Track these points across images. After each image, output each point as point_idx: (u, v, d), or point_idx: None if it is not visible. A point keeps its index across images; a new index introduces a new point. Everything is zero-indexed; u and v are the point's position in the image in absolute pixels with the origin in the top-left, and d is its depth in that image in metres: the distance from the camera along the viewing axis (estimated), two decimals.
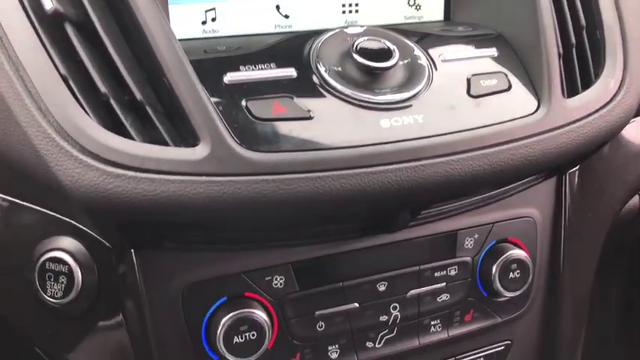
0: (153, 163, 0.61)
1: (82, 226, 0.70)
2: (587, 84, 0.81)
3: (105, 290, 0.71)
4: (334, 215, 0.69)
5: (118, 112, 0.62)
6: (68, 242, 0.71)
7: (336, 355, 0.81)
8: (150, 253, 0.72)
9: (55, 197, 0.66)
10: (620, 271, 2.11)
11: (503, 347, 0.91)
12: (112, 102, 0.62)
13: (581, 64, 0.80)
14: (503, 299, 0.88)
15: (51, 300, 0.70)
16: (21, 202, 0.71)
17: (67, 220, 0.70)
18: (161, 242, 0.71)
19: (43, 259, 0.70)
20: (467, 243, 0.85)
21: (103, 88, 0.63)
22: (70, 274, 0.70)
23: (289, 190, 0.63)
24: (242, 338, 0.73)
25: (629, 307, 2.10)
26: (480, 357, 0.90)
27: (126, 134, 0.62)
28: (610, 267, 2.01)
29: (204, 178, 0.61)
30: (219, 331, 0.72)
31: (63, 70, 0.61)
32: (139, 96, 0.63)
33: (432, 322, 0.85)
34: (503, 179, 0.72)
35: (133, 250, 0.71)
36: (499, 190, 0.84)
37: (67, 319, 0.72)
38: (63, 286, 0.71)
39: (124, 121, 0.63)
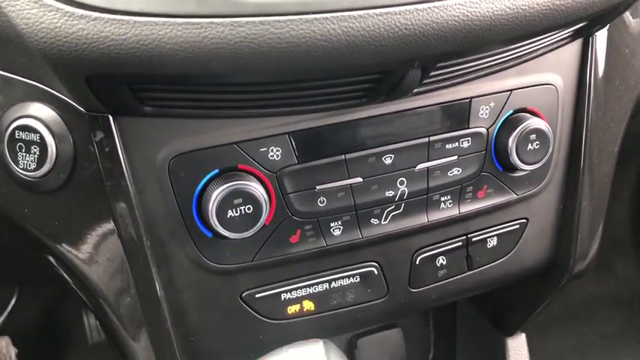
0: (121, 3, 0.52)
1: (52, 90, 0.62)
2: None
3: (82, 161, 0.65)
4: (334, 68, 0.61)
5: None
6: (38, 109, 0.63)
7: (339, 232, 0.75)
8: (130, 120, 0.65)
9: (16, 53, 0.58)
10: (633, 169, 2.06)
11: (518, 226, 0.86)
12: None
13: None
14: (519, 174, 0.81)
15: (24, 173, 0.64)
16: None
17: (35, 83, 0.62)
18: (140, 107, 0.63)
19: (11, 127, 0.63)
20: (482, 112, 0.77)
21: None
22: (42, 143, 0.64)
23: (281, 35, 0.55)
24: (236, 212, 0.67)
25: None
26: (493, 236, 0.84)
27: None
28: (628, 160, 1.96)
29: (181, 19, 0.53)
30: (211, 205, 0.66)
31: None
32: None
33: (442, 198, 0.79)
34: (527, 28, 0.63)
35: (110, 117, 0.64)
36: (519, 51, 0.75)
37: (44, 194, 0.66)
38: (36, 157, 0.64)
39: None
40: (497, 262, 0.86)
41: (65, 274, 0.72)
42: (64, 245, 0.68)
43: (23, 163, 0.64)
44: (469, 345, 1.13)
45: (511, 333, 1.02)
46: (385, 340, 1.09)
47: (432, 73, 0.70)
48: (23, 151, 0.64)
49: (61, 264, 0.70)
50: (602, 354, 1.90)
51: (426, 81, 0.70)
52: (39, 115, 0.63)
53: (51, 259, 0.71)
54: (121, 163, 0.65)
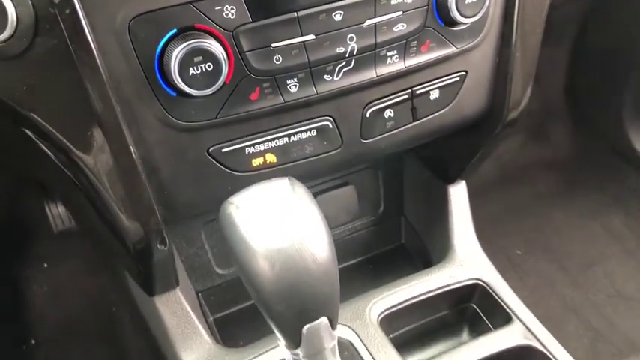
0: None
1: None
2: None
3: (44, 25, 0.67)
4: None
5: None
6: None
7: (295, 89, 0.81)
8: None
9: None
10: (568, 41, 2.16)
11: (458, 78, 0.92)
12: None
13: None
14: (459, 28, 0.87)
15: None
16: None
17: None
18: None
19: None
20: None
21: None
22: (0, 7, 0.65)
23: None
24: (198, 69, 0.71)
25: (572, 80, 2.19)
26: (435, 88, 0.91)
27: None
28: (563, 30, 2.05)
29: None
30: (173, 63, 0.70)
31: None
32: None
33: (389, 53, 0.84)
34: None
35: None
36: None
37: (8, 59, 0.68)
38: None
39: None
40: (440, 112, 0.93)
41: (38, 141, 0.75)
42: (34, 109, 0.71)
43: None
44: (415, 197, 1.25)
45: (452, 181, 1.13)
46: (340, 197, 1.18)
47: None
48: None
49: (33, 131, 0.74)
50: (537, 213, 2.06)
51: None
52: None
53: (24, 129, 0.74)
54: (82, 25, 0.67)
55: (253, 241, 0.59)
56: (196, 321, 0.95)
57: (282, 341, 0.66)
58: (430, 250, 1.19)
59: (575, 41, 2.11)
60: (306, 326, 0.62)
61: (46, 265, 1.80)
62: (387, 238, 1.29)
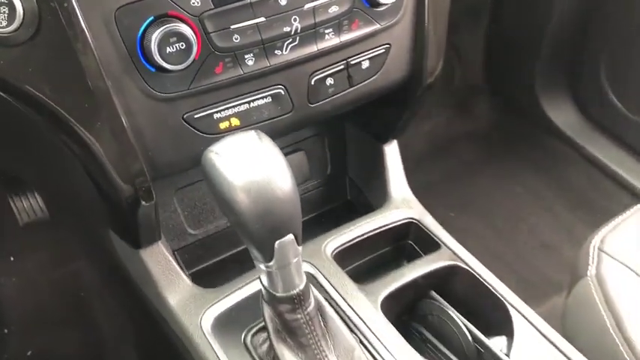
0: None
1: None
2: None
3: (46, 16, 0.81)
4: None
5: None
6: None
7: (252, 63, 0.97)
8: None
9: None
10: (484, 20, 2.37)
11: (383, 50, 1.10)
12: None
13: None
14: (381, 8, 1.05)
15: None
16: None
17: None
18: None
19: None
20: None
21: None
22: (10, 3, 0.79)
23: None
24: (173, 48, 0.88)
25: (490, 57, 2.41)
26: (366, 59, 1.09)
27: None
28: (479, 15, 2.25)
29: None
30: (153, 44, 0.86)
31: None
32: None
33: (326, 31, 1.02)
34: None
35: None
36: None
37: (16, 46, 0.82)
38: (6, 15, 0.80)
39: None
40: (371, 79, 1.11)
41: (40, 118, 0.89)
42: (38, 88, 0.85)
43: None
44: (357, 157, 1.42)
45: (386, 140, 1.32)
46: (292, 162, 1.35)
47: None
48: None
49: (36, 108, 0.87)
50: (465, 179, 2.25)
51: None
52: None
53: (26, 107, 0.88)
54: (77, 15, 0.82)
55: (233, 178, 0.75)
56: (178, 268, 1.11)
57: (258, 257, 0.82)
58: (372, 201, 1.38)
59: (491, 19, 2.31)
60: (278, 242, 0.79)
61: (12, 258, 1.84)
62: (335, 195, 1.47)
